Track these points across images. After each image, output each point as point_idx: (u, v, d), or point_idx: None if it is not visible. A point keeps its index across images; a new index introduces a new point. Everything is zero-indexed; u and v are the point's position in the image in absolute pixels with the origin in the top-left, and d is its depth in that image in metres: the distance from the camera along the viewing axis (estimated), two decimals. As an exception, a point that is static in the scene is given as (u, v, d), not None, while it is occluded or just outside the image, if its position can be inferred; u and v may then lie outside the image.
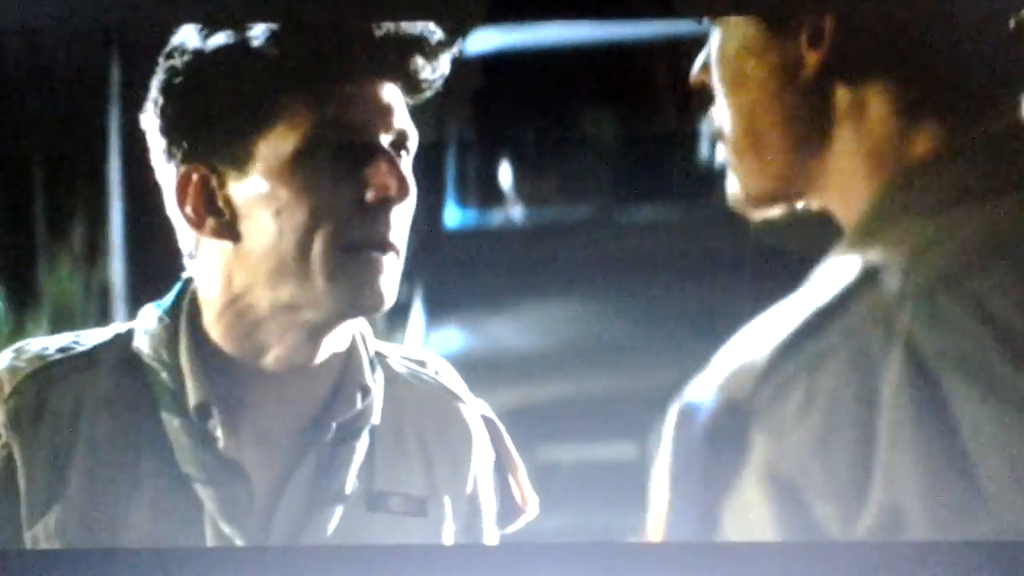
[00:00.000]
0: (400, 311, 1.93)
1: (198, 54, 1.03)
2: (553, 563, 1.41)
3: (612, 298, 1.66)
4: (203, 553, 1.17)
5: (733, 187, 0.99)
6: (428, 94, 1.04)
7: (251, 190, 1.03)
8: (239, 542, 1.11)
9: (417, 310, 1.95)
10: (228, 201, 1.06)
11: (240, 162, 1.03)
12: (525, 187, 1.82)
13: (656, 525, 1.18)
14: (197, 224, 1.09)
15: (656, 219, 1.65)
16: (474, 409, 1.16)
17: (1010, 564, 1.32)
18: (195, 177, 1.08)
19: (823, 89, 0.94)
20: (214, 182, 1.05)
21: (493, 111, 1.89)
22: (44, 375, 1.18)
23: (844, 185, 0.95)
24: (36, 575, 1.23)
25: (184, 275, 1.23)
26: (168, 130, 1.11)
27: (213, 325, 1.11)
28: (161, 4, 1.47)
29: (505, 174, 1.89)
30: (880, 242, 0.88)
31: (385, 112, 1.00)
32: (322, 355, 1.08)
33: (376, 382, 1.10)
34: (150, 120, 1.17)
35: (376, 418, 1.10)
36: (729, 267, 1.48)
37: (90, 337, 1.25)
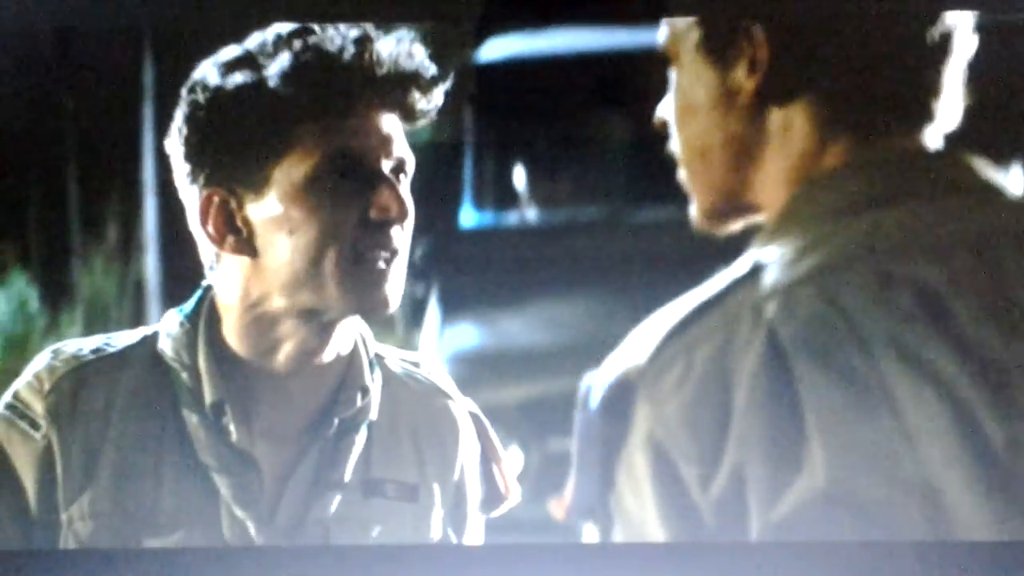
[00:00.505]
0: (417, 308, 2.00)
1: (218, 90, 1.12)
2: (551, 563, 1.44)
3: (620, 296, 1.71)
4: (204, 553, 1.23)
5: (692, 209, 1.07)
6: (424, 122, 1.11)
7: (267, 211, 1.13)
8: (250, 525, 1.20)
9: (433, 307, 2.02)
10: (246, 221, 1.16)
11: (257, 187, 1.13)
12: (538, 189, 1.88)
13: (565, 493, 1.24)
14: (218, 241, 1.19)
15: (663, 220, 1.70)
16: (462, 406, 1.29)
17: (1010, 564, 1.34)
18: (216, 200, 1.17)
19: (758, 112, 1.03)
20: (233, 204, 1.13)
21: (508, 116, 1.95)
22: (79, 374, 1.26)
23: (773, 196, 1.04)
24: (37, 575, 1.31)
25: (204, 283, 1.30)
26: (191, 157, 1.20)
27: (230, 330, 1.21)
28: (189, 6, 1.53)
29: (519, 176, 1.95)
30: (775, 243, 0.99)
31: (386, 141, 1.13)
32: (327, 356, 1.19)
33: (375, 382, 1.21)
34: (174, 146, 1.26)
35: (374, 414, 1.21)
36: (729, 265, 1.53)
37: (120, 339, 1.33)
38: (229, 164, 1.15)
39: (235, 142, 1.12)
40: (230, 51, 1.18)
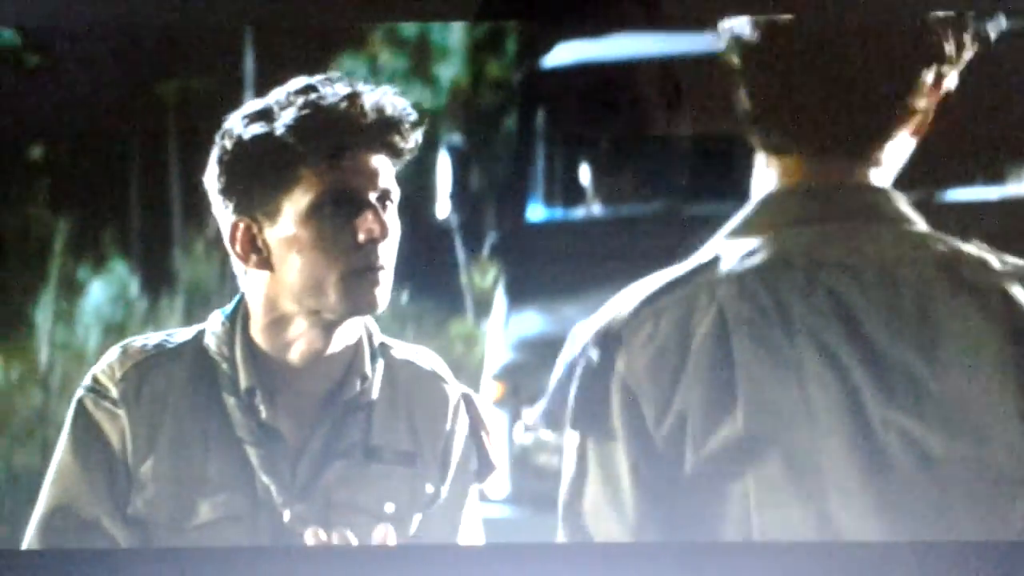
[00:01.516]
0: (485, 297, 2.12)
1: (240, 138, 1.33)
2: (551, 563, 1.50)
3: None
4: (205, 553, 1.38)
5: None
6: (408, 158, 1.29)
7: (280, 235, 1.39)
8: (274, 489, 1.41)
9: (500, 296, 2.13)
10: (265, 243, 1.40)
11: (272, 216, 1.39)
12: (601, 185, 1.98)
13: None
14: (244, 259, 1.41)
15: (717, 213, 1.79)
16: (455, 387, 1.48)
17: (1011, 564, 1.36)
18: (241, 226, 1.39)
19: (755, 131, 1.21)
20: (255, 230, 1.33)
21: (573, 116, 2.06)
22: (144, 364, 1.49)
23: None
24: (38, 575, 1.47)
25: (240, 290, 1.53)
26: (222, 191, 1.46)
27: (257, 329, 1.45)
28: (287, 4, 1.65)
29: (583, 173, 2.05)
30: (735, 240, 1.17)
31: (373, 176, 1.35)
32: (333, 349, 1.43)
33: (376, 369, 1.43)
34: (211, 182, 1.49)
35: (375, 395, 1.42)
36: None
37: (177, 336, 1.54)
38: (250, 198, 1.39)
39: (254, 180, 1.37)
40: (252, 105, 1.41)
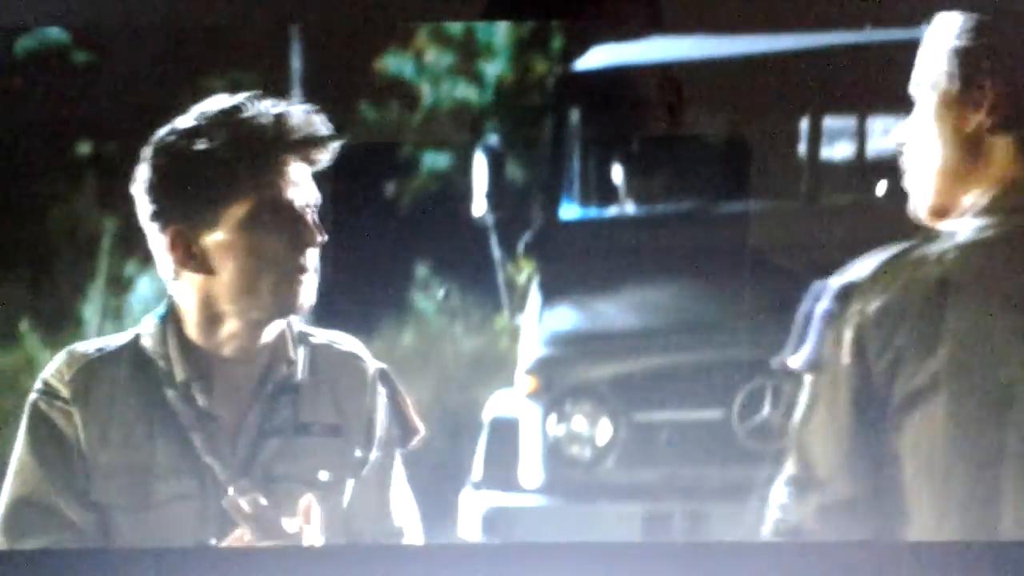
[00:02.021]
0: (521, 293, 2.18)
1: (179, 154, 1.49)
2: (551, 563, 1.55)
3: (705, 282, 1.85)
4: (204, 553, 1.45)
5: (918, 207, 1.41)
6: (324, 164, 1.50)
7: (218, 241, 1.51)
8: (217, 469, 1.54)
9: (535, 292, 2.18)
10: (201, 249, 1.53)
11: (210, 224, 1.51)
12: (633, 184, 2.03)
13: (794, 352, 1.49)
14: (181, 264, 1.52)
15: (746, 212, 1.84)
16: (371, 364, 1.61)
17: (1011, 564, 1.37)
18: (177, 233, 1.44)
19: (983, 143, 1.32)
20: (190, 236, 1.40)
21: (607, 118, 2.11)
22: (89, 367, 1.62)
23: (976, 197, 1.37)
24: (35, 574, 1.54)
25: (169, 293, 1.65)
26: (156, 200, 1.58)
27: (191, 326, 1.58)
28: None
29: (616, 173, 2.10)
30: (966, 219, 1.38)
31: (302, 186, 1.49)
32: (262, 341, 1.56)
33: (299, 355, 1.56)
34: (139, 190, 1.61)
35: (299, 377, 1.57)
36: (805, 256, 1.68)
37: (117, 339, 1.67)
38: (188, 208, 1.51)
39: (195, 192, 1.50)
40: (182, 122, 1.55)
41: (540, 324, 2.05)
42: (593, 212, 2.09)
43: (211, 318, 1.53)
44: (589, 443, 2.11)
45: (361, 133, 2.33)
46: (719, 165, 1.92)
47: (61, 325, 1.91)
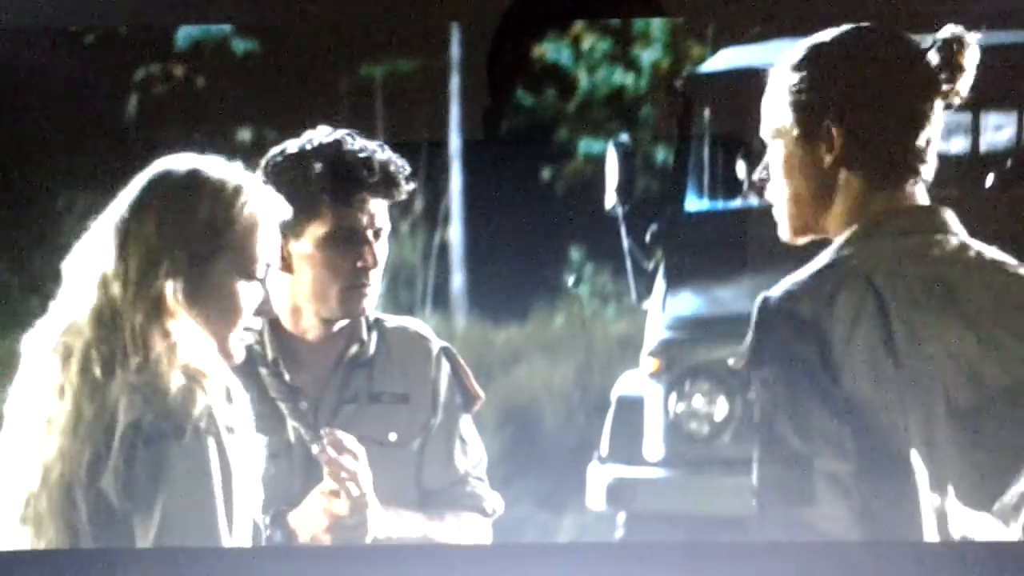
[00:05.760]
0: (647, 280, 2.32)
1: (283, 176, 1.64)
2: (551, 563, 1.56)
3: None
4: (204, 553, 1.46)
5: (782, 230, 1.46)
6: (401, 198, 1.67)
7: (300, 251, 1.69)
8: (302, 431, 1.69)
9: (660, 279, 2.32)
10: (289, 253, 1.70)
11: (297, 235, 1.68)
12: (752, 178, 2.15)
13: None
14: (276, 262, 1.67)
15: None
16: (436, 342, 1.74)
17: (1011, 564, 1.35)
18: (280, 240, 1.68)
19: (833, 175, 1.41)
20: (282, 241, 1.62)
21: (730, 117, 2.23)
22: None
23: (837, 225, 1.44)
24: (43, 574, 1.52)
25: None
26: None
27: (280, 314, 1.73)
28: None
29: (739, 168, 2.22)
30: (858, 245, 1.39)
31: (373, 217, 1.66)
32: (336, 329, 1.72)
33: (371, 336, 1.73)
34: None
35: (371, 353, 1.74)
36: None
37: None
38: (286, 221, 1.68)
39: (291, 209, 1.65)
40: (289, 146, 1.69)
41: (664, 309, 2.19)
42: (717, 204, 2.22)
43: (294, 310, 1.70)
44: (707, 420, 2.23)
45: (519, 120, 2.47)
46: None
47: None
